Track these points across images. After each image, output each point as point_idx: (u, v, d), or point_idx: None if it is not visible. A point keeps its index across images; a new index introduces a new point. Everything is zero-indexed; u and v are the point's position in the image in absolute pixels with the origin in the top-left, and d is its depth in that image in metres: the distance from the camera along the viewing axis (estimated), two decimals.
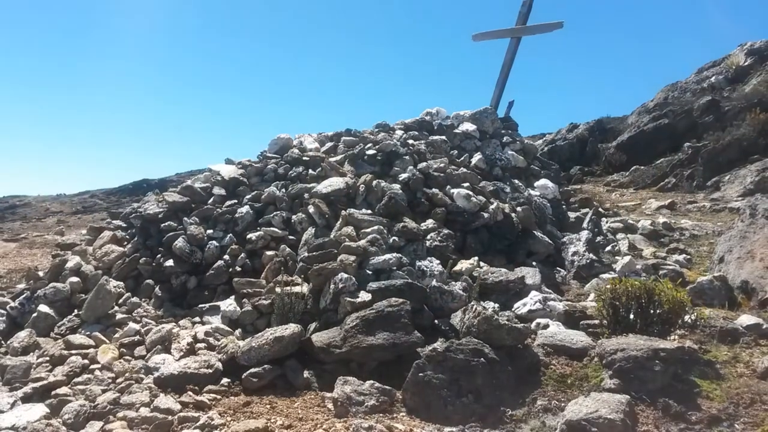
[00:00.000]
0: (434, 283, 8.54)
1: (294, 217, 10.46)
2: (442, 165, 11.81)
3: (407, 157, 11.99)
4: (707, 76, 22.21)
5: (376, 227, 9.42)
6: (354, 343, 6.94)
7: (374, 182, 10.78)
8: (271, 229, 10.23)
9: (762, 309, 7.84)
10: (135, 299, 9.44)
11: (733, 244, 9.39)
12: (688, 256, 10.34)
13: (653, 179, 17.17)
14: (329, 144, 13.44)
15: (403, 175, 11.20)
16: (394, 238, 9.45)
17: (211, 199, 11.42)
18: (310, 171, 11.79)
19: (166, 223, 10.74)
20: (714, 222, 12.40)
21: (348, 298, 7.88)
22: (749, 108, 17.13)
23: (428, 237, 9.82)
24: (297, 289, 8.51)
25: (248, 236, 10.17)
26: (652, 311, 6.98)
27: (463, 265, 9.33)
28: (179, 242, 10.08)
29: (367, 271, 8.54)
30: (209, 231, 10.49)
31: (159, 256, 10.20)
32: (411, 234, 9.56)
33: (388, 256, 8.77)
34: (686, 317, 7.11)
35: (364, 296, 7.89)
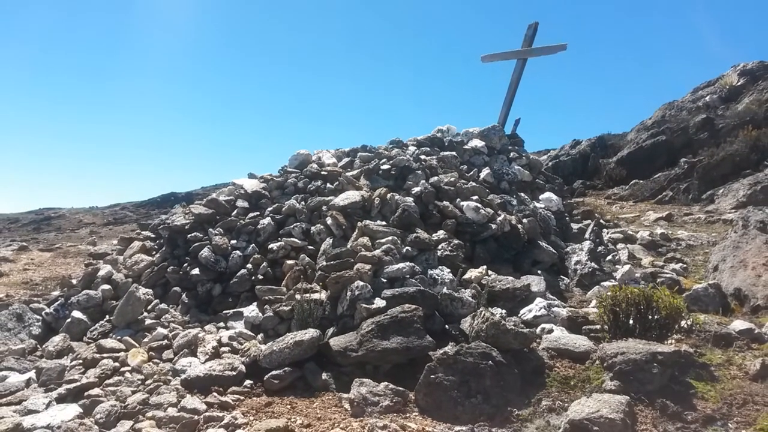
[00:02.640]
0: (445, 290, 8.56)
1: (313, 228, 10.51)
2: (452, 179, 11.85)
3: (419, 172, 12.03)
4: (702, 96, 22.25)
5: (390, 238, 9.45)
6: (369, 347, 6.96)
7: (388, 195, 10.81)
8: (291, 239, 10.28)
9: (754, 315, 7.84)
10: (163, 306, 9.50)
11: (726, 253, 9.38)
12: (684, 265, 10.31)
13: (651, 192, 17.18)
14: (346, 159, 13.52)
15: (416, 189, 11.23)
16: (407, 248, 9.47)
17: (235, 211, 11.49)
18: (328, 185, 11.87)
19: (193, 234, 10.82)
20: (709, 233, 12.38)
21: (364, 305, 7.90)
22: (742, 125, 17.18)
23: (439, 247, 9.83)
24: (316, 296, 8.54)
25: (270, 246, 10.22)
26: (650, 317, 6.97)
27: (472, 273, 9.34)
28: (205, 252, 10.15)
29: (382, 279, 8.56)
30: (233, 241, 10.55)
31: (186, 264, 10.27)
32: (423, 244, 9.58)
33: (401, 265, 8.78)
34: (682, 323, 7.09)
35: (379, 303, 7.91)
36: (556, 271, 10.60)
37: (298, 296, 8.48)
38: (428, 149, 13.87)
